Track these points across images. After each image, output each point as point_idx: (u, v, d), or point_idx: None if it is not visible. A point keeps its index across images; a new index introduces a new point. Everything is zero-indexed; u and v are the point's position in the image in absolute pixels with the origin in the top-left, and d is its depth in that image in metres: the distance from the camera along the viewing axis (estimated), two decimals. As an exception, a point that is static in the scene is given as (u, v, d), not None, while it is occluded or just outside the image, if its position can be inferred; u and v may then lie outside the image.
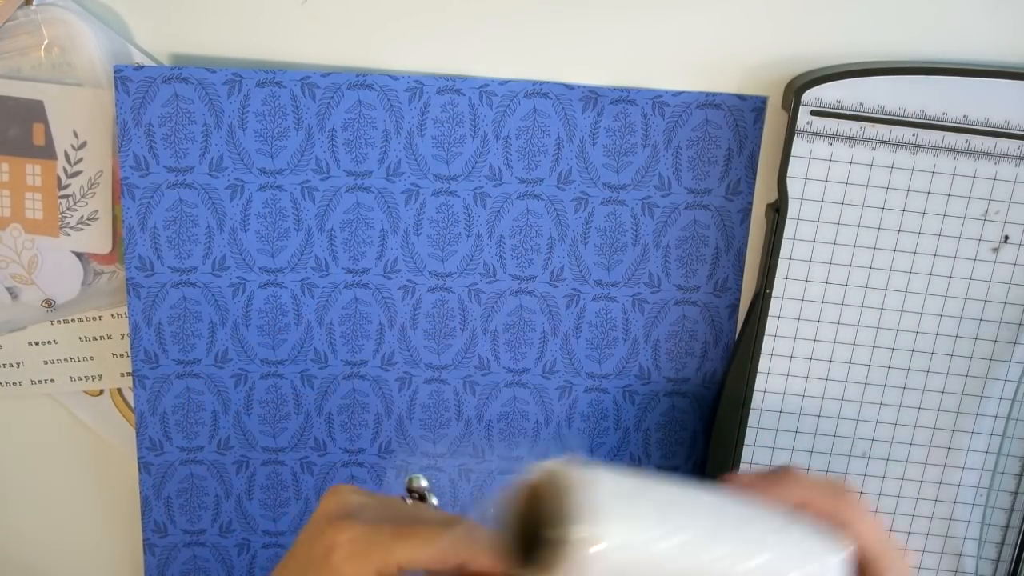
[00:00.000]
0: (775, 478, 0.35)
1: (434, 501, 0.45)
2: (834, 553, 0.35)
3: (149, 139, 0.56)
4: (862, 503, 0.36)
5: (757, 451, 0.60)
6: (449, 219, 0.58)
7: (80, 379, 0.62)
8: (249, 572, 0.63)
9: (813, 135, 0.55)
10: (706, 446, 0.61)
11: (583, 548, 0.32)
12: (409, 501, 0.43)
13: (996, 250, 0.57)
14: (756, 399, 0.59)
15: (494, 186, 0.57)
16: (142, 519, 0.62)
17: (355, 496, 0.41)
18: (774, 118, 0.57)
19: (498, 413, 0.61)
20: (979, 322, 0.58)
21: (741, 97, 0.56)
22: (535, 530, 0.33)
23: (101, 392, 0.62)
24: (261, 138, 0.56)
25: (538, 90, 0.56)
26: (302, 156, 0.56)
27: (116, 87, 0.55)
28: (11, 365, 0.61)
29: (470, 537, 0.37)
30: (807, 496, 0.35)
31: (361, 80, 0.55)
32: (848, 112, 0.55)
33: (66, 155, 0.56)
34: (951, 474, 0.60)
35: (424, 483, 0.45)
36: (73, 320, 0.60)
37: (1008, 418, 0.59)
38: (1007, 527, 0.61)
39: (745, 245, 0.59)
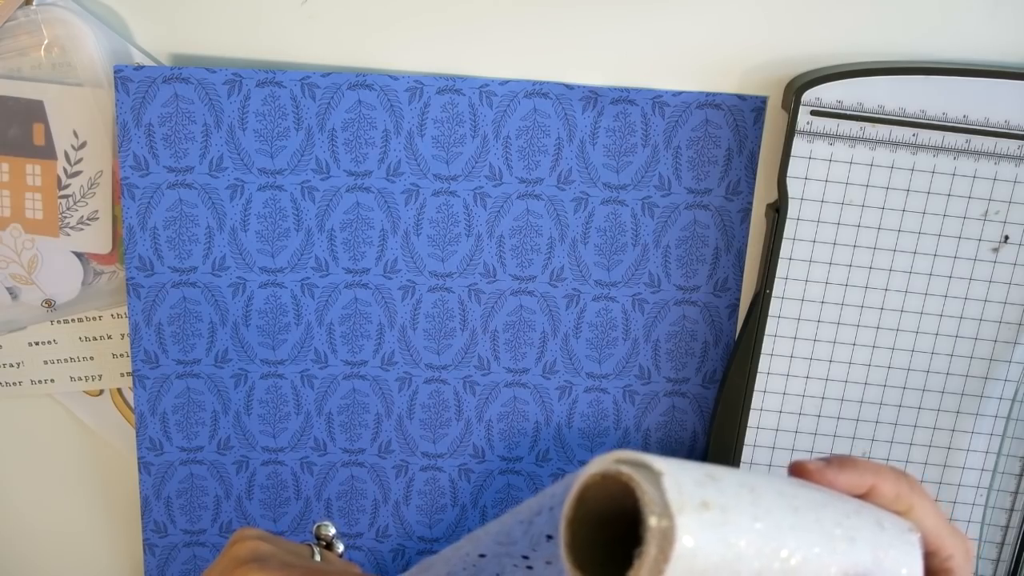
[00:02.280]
0: (838, 465, 0.35)
1: (340, 549, 0.46)
2: (912, 532, 0.34)
3: (149, 139, 0.56)
4: (924, 490, 0.36)
5: (757, 451, 0.60)
6: (449, 219, 0.58)
7: (80, 379, 0.62)
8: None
9: (813, 135, 0.55)
10: (706, 446, 0.61)
11: (669, 544, 0.27)
12: (317, 549, 0.44)
13: (996, 250, 0.57)
14: (756, 399, 0.59)
15: (494, 186, 0.57)
16: (142, 519, 0.62)
17: (264, 544, 0.41)
18: (774, 118, 0.57)
19: (498, 413, 0.61)
20: (979, 322, 0.58)
21: (741, 97, 0.56)
22: (603, 531, 0.30)
23: (101, 392, 0.62)
24: (261, 138, 0.56)
25: (538, 90, 0.56)
26: (302, 156, 0.56)
27: (116, 87, 0.55)
28: (11, 365, 0.61)
29: None
30: (872, 482, 0.35)
31: (361, 80, 0.55)
32: (848, 112, 0.55)
33: (66, 155, 0.56)
34: (951, 474, 0.60)
35: (332, 531, 0.46)
36: (73, 320, 0.60)
37: (1008, 418, 0.59)
38: (1007, 527, 0.61)
39: (745, 245, 0.59)
